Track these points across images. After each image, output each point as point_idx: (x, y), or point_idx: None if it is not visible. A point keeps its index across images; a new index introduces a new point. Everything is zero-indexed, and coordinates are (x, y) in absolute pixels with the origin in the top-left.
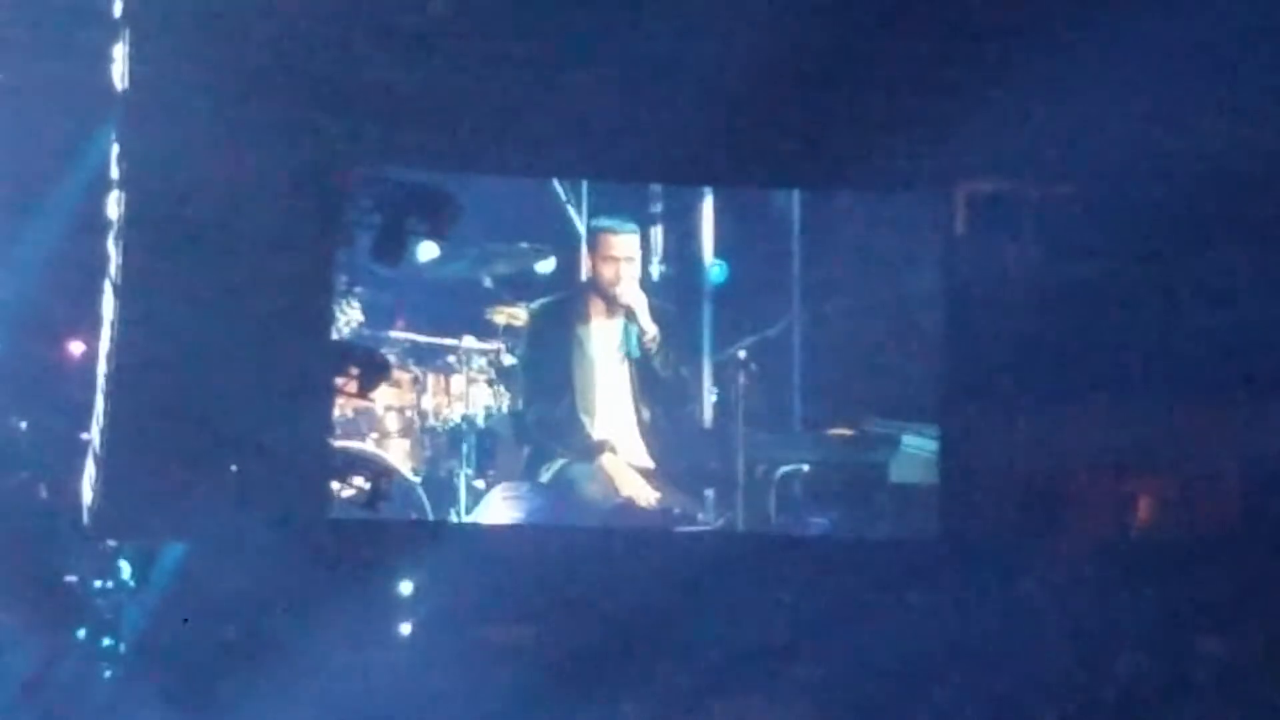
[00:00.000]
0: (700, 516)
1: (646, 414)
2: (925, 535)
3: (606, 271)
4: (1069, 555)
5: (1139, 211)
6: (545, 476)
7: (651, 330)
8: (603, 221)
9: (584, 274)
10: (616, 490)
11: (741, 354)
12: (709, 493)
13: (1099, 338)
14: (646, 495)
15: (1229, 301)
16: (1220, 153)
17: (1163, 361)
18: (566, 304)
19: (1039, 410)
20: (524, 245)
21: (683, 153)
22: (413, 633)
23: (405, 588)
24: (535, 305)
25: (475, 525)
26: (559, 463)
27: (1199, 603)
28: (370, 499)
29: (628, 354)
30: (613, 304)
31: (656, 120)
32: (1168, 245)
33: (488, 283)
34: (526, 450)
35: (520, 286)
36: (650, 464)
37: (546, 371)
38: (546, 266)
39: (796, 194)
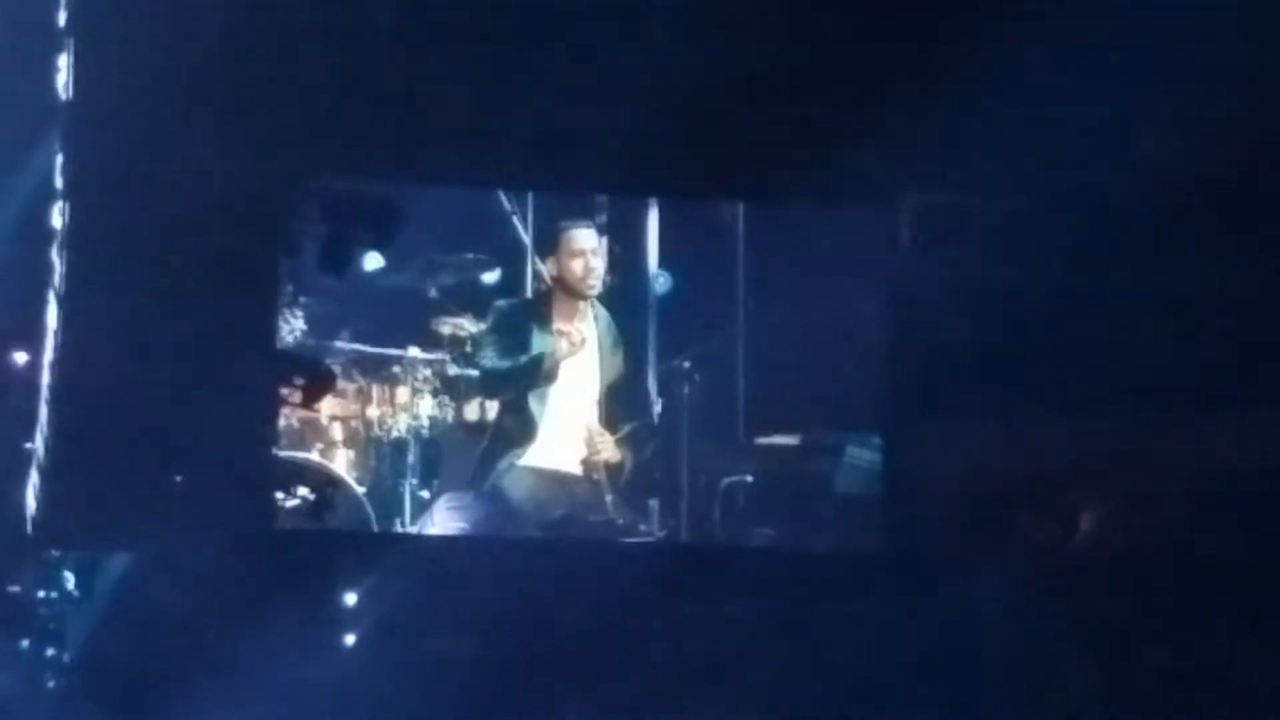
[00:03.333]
0: (643, 527)
1: (600, 423)
2: (870, 546)
3: (576, 267)
4: (1015, 566)
5: (1086, 223)
6: (488, 484)
7: (614, 333)
8: (562, 221)
9: (548, 276)
10: (559, 500)
11: (686, 364)
12: (653, 503)
13: (1045, 349)
14: (590, 506)
15: (1177, 313)
16: (1169, 164)
17: (1110, 373)
18: (531, 304)
19: (985, 421)
20: (469, 256)
21: (628, 163)
22: (356, 643)
23: (349, 598)
24: (501, 304)
25: (419, 536)
26: (506, 462)
27: (1146, 614)
28: (315, 509)
29: (598, 355)
30: (580, 301)
31: (602, 130)
32: (1116, 257)
33: (433, 293)
34: (479, 449)
35: (466, 297)
36: (596, 474)
37: (506, 372)
38: (492, 277)
39: (741, 206)
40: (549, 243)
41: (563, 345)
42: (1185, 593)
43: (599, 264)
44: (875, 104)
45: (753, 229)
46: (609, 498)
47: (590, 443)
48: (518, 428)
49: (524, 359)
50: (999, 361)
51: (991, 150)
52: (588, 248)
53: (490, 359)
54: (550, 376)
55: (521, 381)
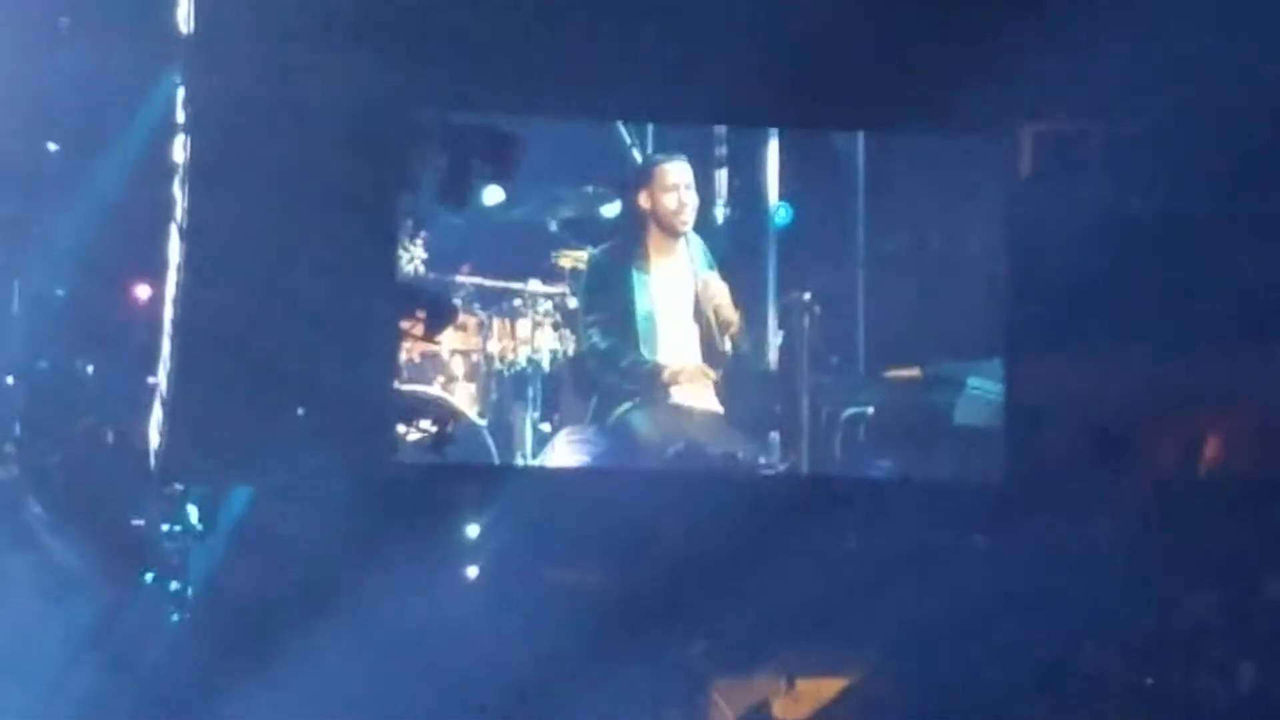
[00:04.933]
0: (764, 460)
1: (712, 356)
2: (990, 478)
3: (668, 202)
4: (1136, 496)
5: (1207, 149)
6: (611, 420)
7: (714, 269)
8: (654, 156)
9: (643, 209)
10: (681, 433)
11: (806, 296)
12: (774, 436)
13: (1166, 276)
14: (711, 438)
15: None
16: None
17: (1231, 299)
18: (627, 245)
19: (1106, 350)
20: (589, 189)
21: (747, 95)
22: (479, 576)
23: (471, 531)
24: (596, 251)
25: (541, 468)
26: (625, 406)
27: (1267, 543)
28: (436, 442)
29: (695, 287)
30: (675, 236)
31: (721, 61)
32: (1238, 181)
33: (553, 226)
34: (594, 397)
35: (585, 230)
36: (716, 408)
37: (610, 314)
38: (611, 210)
39: (861, 136)
40: (642, 176)
41: (662, 280)
42: None
43: (691, 199)
44: (994, 31)
45: (872, 160)
46: (729, 431)
47: (702, 377)
48: (634, 367)
49: (626, 299)
50: (1121, 290)
51: (1111, 75)
52: (681, 182)
53: (591, 301)
54: (653, 314)
55: (626, 321)
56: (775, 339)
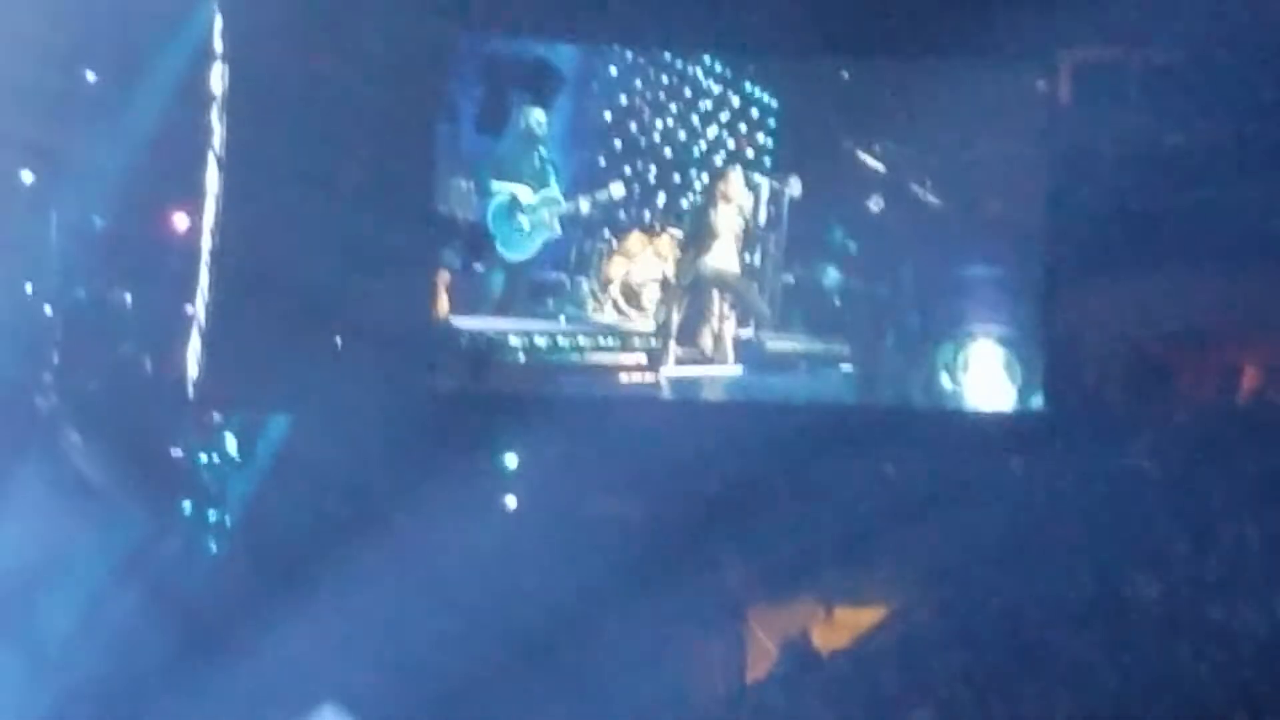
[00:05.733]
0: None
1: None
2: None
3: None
4: (1175, 424)
5: (1246, 76)
6: None
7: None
8: None
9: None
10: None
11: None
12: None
13: (1205, 205)
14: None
15: None
16: None
17: (1271, 228)
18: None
19: (1145, 279)
20: None
21: (786, 24)
22: (517, 506)
23: (510, 461)
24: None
25: (577, 397)
26: None
27: None
28: (475, 370)
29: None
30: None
31: None
32: (1275, 110)
33: None
34: None
35: None
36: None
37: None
38: None
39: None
40: None
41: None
42: None
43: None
44: None
45: (913, 88)
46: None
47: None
48: None
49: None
50: (1160, 219)
51: (1150, 2)
52: None
53: None
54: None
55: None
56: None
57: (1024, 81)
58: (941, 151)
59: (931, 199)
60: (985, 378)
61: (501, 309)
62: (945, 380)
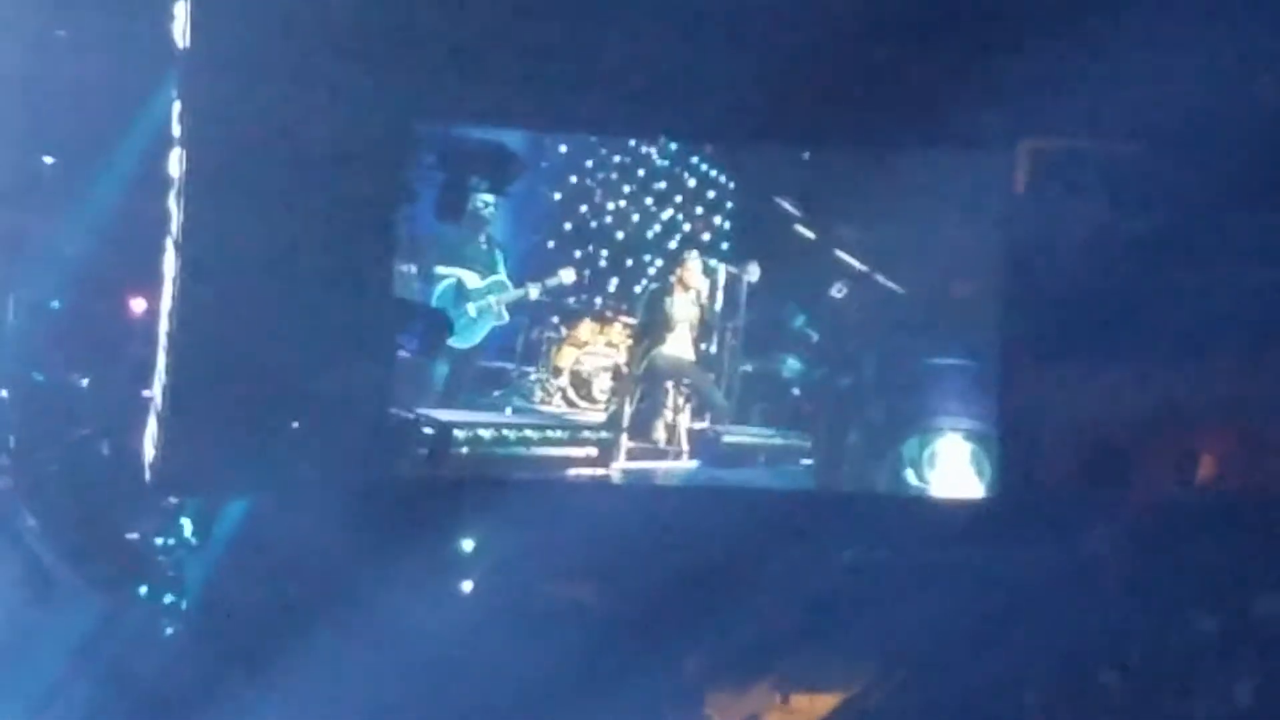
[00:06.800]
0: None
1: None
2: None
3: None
4: (1131, 512)
5: (1202, 167)
6: None
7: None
8: None
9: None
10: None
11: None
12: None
13: (1161, 293)
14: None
15: None
16: None
17: (1226, 317)
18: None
19: (1101, 366)
20: None
21: (746, 110)
22: (475, 589)
23: (467, 545)
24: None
25: (535, 480)
26: None
27: (1261, 560)
28: (433, 456)
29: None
30: None
31: (720, 77)
32: (1231, 200)
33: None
34: None
35: None
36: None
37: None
38: None
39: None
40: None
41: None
42: None
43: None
44: (992, 49)
45: (871, 175)
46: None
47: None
48: None
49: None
50: (1116, 306)
51: (1109, 93)
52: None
53: None
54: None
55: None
56: None
57: (983, 169)
58: (904, 237)
59: (895, 286)
60: (953, 475)
61: (446, 399)
62: (911, 477)
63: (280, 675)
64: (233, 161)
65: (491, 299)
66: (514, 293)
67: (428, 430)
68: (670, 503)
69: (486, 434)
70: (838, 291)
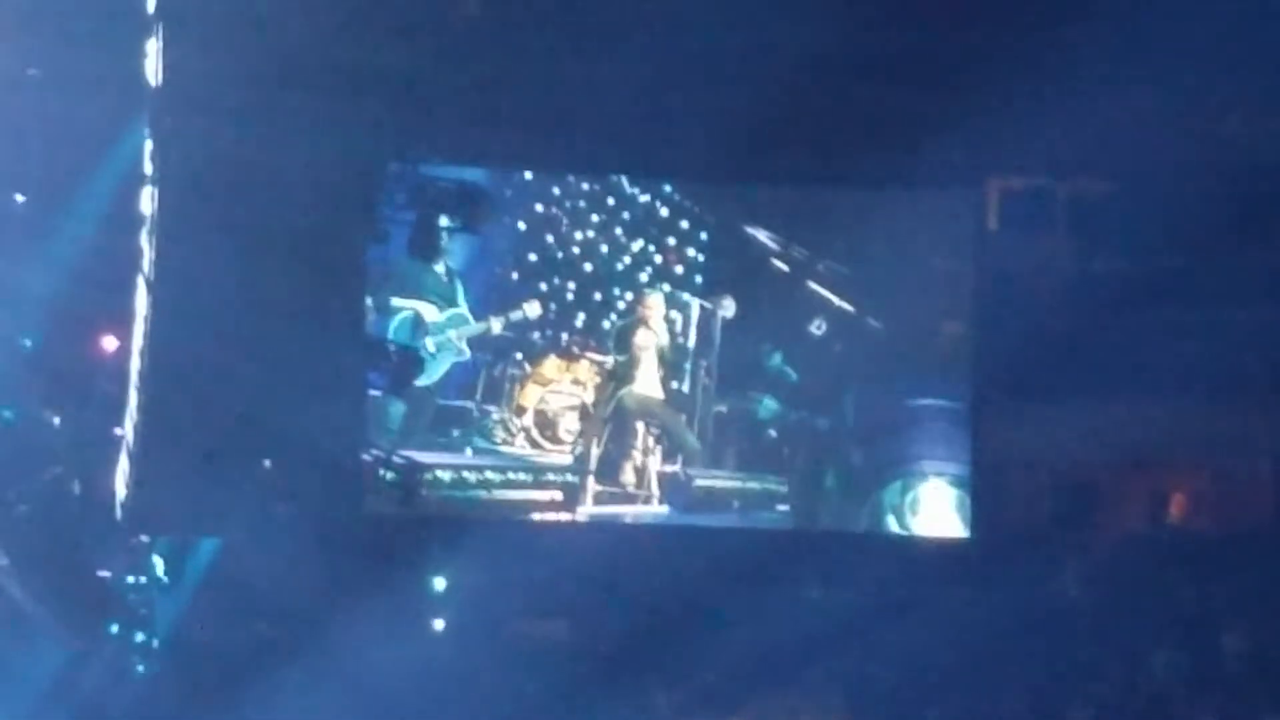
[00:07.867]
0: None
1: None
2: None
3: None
4: (1101, 551)
5: (1172, 207)
6: None
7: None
8: None
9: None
10: None
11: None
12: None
13: (1131, 332)
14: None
15: (1263, 298)
16: (1255, 148)
17: (1196, 357)
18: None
19: (1071, 405)
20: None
21: (719, 151)
22: (446, 627)
23: (439, 583)
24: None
25: (507, 520)
26: None
27: (1230, 598)
28: (404, 495)
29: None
30: None
31: (693, 117)
32: (1201, 240)
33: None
34: None
35: None
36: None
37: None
38: None
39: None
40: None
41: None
42: (1273, 576)
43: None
44: (963, 89)
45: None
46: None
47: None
48: None
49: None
50: (1086, 346)
51: (1078, 134)
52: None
53: None
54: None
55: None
56: None
57: (954, 206)
58: (882, 273)
59: (875, 322)
60: (936, 521)
61: (402, 439)
62: (892, 523)
63: (251, 713)
64: (204, 200)
65: (451, 333)
66: (475, 326)
67: (398, 469)
68: (641, 539)
69: (446, 476)
70: (817, 328)
